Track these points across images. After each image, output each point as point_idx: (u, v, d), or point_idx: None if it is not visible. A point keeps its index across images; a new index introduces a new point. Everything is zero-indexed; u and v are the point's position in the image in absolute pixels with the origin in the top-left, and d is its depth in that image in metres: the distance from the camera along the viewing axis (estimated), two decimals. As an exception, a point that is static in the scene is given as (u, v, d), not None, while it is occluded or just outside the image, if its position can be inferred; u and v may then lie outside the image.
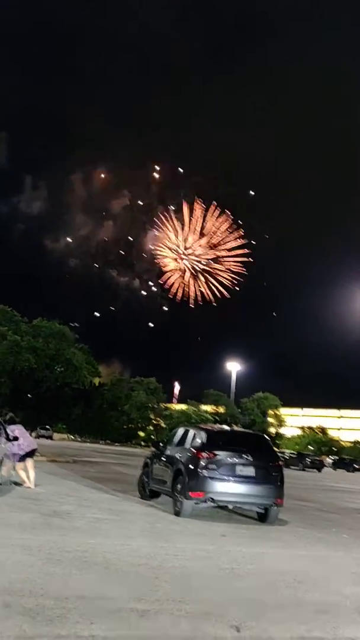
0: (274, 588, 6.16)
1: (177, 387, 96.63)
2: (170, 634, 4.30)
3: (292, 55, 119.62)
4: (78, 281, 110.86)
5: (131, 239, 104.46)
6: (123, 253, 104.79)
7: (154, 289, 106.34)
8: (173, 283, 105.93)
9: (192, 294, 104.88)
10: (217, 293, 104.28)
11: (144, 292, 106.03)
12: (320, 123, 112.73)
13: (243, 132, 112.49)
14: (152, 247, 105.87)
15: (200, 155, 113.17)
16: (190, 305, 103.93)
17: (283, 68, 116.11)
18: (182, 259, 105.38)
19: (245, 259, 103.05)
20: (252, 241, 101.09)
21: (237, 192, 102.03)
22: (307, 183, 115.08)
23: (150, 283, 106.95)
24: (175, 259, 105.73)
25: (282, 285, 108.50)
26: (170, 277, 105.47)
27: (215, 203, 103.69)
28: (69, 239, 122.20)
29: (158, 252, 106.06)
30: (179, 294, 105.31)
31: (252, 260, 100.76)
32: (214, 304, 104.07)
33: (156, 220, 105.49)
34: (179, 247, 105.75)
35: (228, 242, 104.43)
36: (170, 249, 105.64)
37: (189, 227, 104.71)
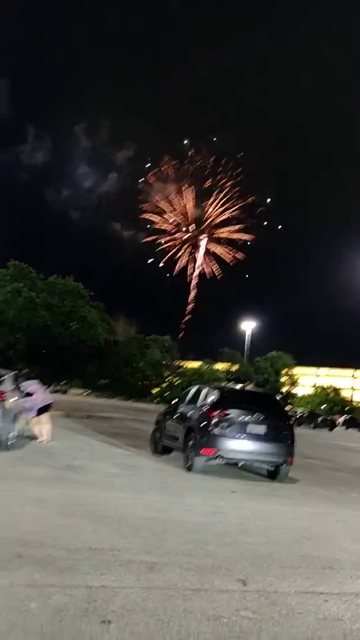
0: (281, 544, 6.27)
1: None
2: (178, 585, 4.41)
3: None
4: (80, 233, 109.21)
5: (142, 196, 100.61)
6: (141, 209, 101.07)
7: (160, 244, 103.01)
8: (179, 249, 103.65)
9: (204, 264, 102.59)
10: (229, 257, 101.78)
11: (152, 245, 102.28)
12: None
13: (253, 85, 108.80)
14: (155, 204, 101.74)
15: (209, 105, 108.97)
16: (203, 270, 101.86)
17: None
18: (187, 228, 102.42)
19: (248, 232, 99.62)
20: (268, 199, 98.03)
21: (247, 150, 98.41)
22: (318, 140, 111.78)
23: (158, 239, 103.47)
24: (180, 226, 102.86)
25: (297, 244, 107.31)
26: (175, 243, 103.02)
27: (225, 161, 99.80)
28: (70, 191, 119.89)
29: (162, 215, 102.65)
30: (184, 260, 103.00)
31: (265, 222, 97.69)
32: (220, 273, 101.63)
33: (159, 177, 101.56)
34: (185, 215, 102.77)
35: (237, 204, 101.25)
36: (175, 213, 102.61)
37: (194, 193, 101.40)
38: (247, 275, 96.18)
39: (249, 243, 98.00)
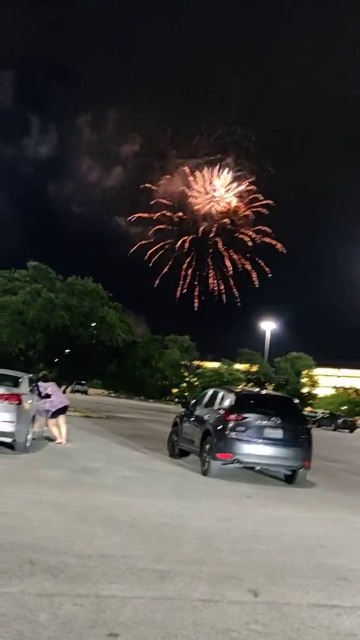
0: (295, 552, 6.21)
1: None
2: (188, 596, 4.38)
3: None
4: (84, 228, 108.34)
5: (151, 187, 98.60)
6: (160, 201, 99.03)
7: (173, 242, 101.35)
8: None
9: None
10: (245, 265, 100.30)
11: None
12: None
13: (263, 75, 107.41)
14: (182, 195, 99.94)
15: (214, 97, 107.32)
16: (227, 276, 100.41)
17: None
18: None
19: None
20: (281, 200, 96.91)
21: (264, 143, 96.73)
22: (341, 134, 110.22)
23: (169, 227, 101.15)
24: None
25: (317, 243, 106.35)
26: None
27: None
28: (74, 184, 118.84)
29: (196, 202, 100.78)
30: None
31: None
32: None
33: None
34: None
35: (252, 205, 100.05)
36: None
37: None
38: (269, 275, 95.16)
39: (278, 248, 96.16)
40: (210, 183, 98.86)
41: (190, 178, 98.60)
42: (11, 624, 3.53)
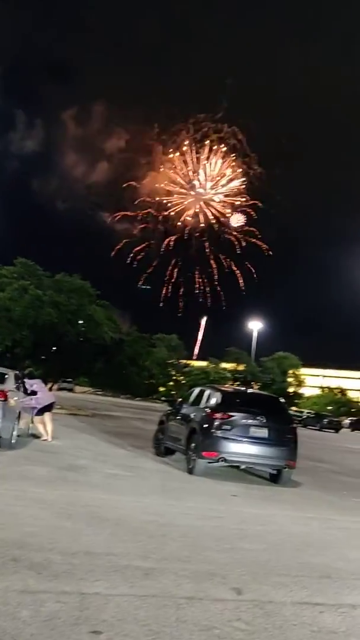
0: (280, 550, 6.25)
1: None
2: (172, 593, 4.39)
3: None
4: (69, 224, 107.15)
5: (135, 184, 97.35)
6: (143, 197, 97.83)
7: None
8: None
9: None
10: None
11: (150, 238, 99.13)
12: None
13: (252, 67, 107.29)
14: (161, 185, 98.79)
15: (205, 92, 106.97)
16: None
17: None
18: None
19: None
20: (277, 196, 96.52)
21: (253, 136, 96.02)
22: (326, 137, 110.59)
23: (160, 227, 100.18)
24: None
25: (303, 242, 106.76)
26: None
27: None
28: (58, 180, 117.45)
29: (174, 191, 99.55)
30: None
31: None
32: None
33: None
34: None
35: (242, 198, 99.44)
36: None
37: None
38: (255, 277, 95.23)
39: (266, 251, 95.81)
40: (195, 172, 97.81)
41: (176, 168, 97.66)
42: (-6, 621, 3.51)
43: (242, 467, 11.91)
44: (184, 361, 76.58)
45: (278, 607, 4.40)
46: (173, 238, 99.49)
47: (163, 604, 4.13)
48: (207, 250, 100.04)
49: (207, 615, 4.04)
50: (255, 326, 79.62)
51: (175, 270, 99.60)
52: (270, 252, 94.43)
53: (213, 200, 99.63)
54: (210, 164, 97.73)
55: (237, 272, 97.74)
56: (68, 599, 3.98)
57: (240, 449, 11.02)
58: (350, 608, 4.60)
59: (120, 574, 4.69)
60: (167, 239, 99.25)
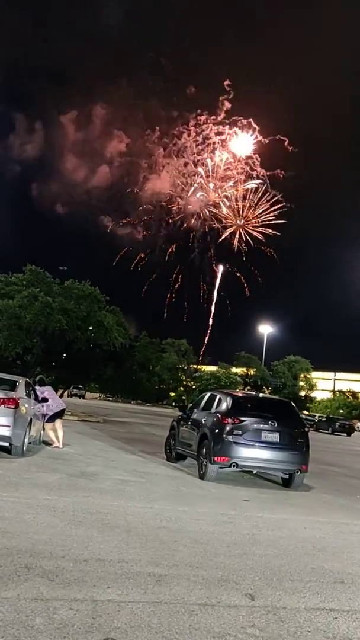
0: (292, 556, 6.20)
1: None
2: (185, 600, 4.37)
3: None
4: (70, 229, 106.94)
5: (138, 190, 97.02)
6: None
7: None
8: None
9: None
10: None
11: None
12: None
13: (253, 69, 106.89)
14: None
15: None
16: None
17: None
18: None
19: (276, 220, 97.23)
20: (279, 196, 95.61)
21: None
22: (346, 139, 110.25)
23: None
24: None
25: (316, 246, 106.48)
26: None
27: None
28: (59, 184, 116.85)
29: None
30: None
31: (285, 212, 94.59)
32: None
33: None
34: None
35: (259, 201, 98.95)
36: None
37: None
38: (259, 279, 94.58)
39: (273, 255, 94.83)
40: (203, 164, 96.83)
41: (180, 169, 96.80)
42: (7, 629, 3.52)
43: (254, 472, 11.86)
44: (195, 366, 76.48)
45: (292, 613, 4.37)
46: (175, 244, 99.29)
47: (176, 610, 4.11)
48: (209, 254, 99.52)
49: (220, 621, 4.01)
50: (265, 330, 79.47)
51: (180, 275, 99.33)
52: (275, 255, 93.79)
53: (216, 202, 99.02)
54: (212, 165, 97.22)
55: (241, 277, 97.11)
56: (80, 606, 3.97)
57: (252, 454, 10.97)
58: (364, 613, 4.55)
59: (132, 580, 4.68)
60: (171, 245, 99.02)
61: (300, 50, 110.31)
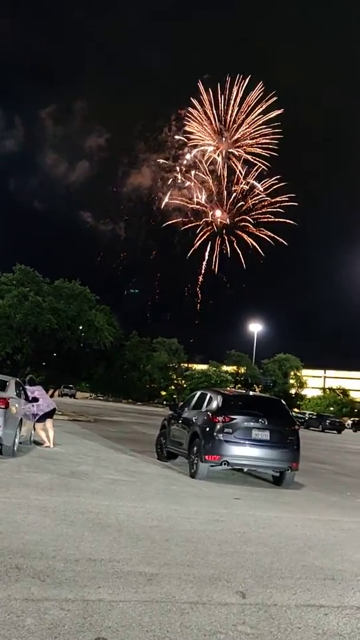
0: (283, 553, 6.23)
1: None
2: (176, 598, 4.38)
3: None
4: (50, 225, 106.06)
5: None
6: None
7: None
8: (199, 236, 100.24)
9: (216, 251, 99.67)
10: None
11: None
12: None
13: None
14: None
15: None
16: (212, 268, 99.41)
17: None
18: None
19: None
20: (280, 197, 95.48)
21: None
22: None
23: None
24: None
25: (305, 244, 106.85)
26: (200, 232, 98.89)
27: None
28: (39, 179, 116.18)
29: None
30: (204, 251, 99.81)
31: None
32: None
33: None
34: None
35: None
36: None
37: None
38: (244, 285, 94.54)
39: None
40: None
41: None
42: (-3, 629, 3.51)
43: (245, 470, 11.89)
44: (185, 364, 76.55)
45: (282, 610, 4.39)
46: (158, 241, 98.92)
47: (167, 609, 4.12)
48: (195, 248, 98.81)
49: (212, 619, 4.03)
50: (255, 328, 79.69)
51: (160, 272, 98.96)
52: (262, 254, 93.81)
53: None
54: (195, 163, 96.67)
55: (225, 279, 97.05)
56: (72, 606, 3.97)
57: (242, 452, 11.00)
58: (354, 610, 4.59)
59: (123, 580, 4.68)
60: (153, 242, 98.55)
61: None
